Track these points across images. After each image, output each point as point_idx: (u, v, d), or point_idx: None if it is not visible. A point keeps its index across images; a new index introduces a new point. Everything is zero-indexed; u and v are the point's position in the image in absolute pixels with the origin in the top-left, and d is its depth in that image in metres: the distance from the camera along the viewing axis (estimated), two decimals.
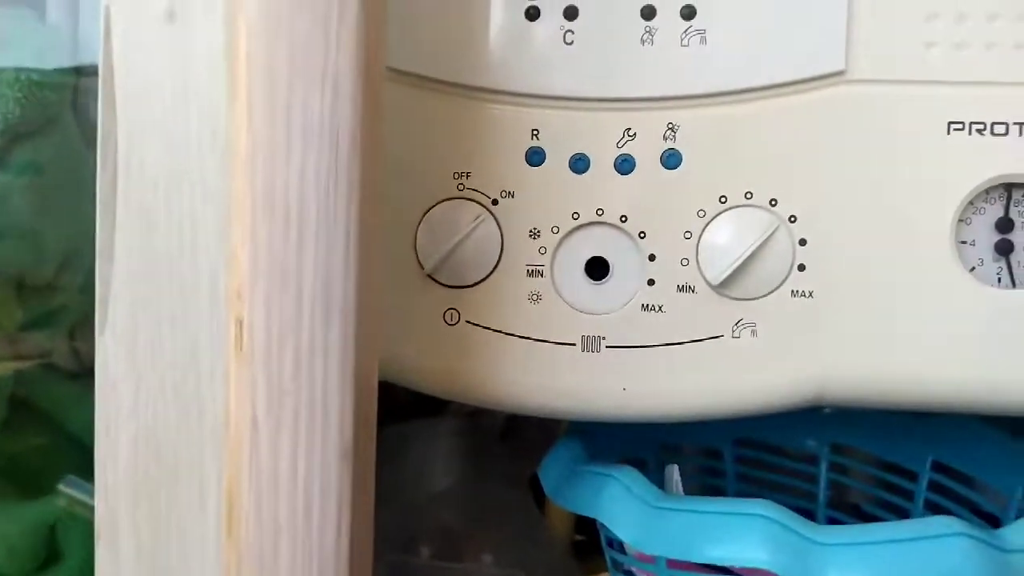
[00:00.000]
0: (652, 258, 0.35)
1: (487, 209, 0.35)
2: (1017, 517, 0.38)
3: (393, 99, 0.34)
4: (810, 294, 0.34)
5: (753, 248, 0.33)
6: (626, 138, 0.35)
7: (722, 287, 0.34)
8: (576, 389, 0.35)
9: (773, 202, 0.34)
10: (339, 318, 0.24)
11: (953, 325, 0.34)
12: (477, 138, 0.34)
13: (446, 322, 0.36)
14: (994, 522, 0.40)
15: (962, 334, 0.34)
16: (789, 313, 0.34)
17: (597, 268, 0.35)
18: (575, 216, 0.35)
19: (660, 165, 0.35)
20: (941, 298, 0.34)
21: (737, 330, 0.35)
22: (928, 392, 0.34)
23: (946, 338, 0.34)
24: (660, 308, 0.35)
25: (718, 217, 0.34)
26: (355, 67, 0.24)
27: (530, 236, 0.35)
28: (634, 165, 0.35)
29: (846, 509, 0.45)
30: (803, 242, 0.34)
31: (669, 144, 0.34)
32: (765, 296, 0.34)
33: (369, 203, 0.25)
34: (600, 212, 0.35)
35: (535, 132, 0.35)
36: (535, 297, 0.35)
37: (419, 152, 0.35)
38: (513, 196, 0.35)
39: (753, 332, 0.35)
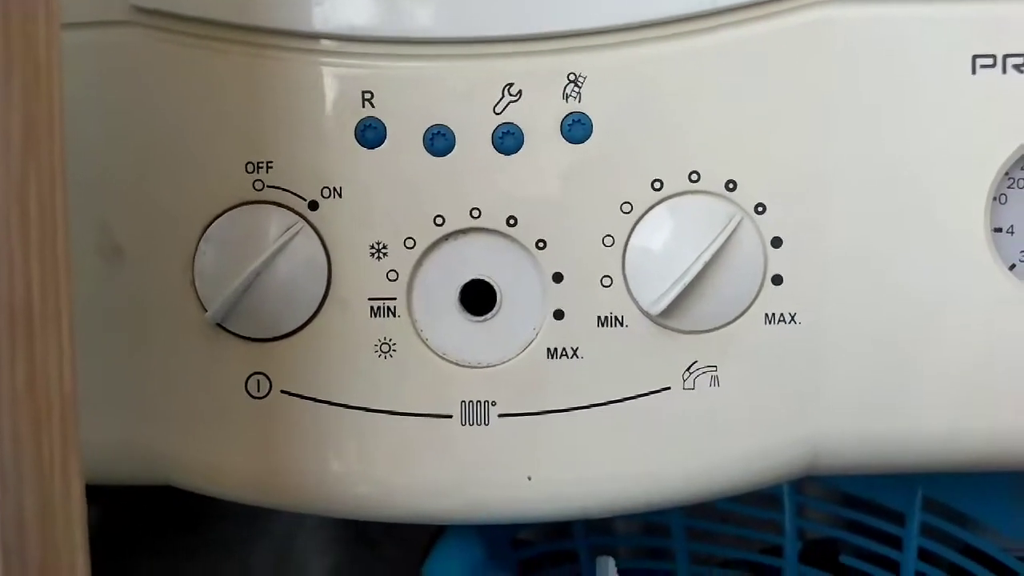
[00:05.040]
0: (558, 278, 0.26)
1: (302, 216, 0.26)
2: None
3: (139, 57, 0.26)
4: (793, 318, 0.26)
5: (707, 256, 0.25)
6: (507, 99, 0.26)
7: (665, 316, 0.26)
8: (456, 483, 0.27)
9: (731, 185, 0.26)
10: None
11: (993, 348, 0.27)
12: (280, 109, 0.26)
13: (250, 394, 0.27)
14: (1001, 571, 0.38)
15: (1007, 361, 0.27)
16: (764, 348, 0.26)
17: (478, 298, 0.27)
18: (439, 221, 0.26)
19: (561, 138, 0.26)
20: (974, 311, 0.27)
21: (690, 378, 0.26)
22: (969, 447, 0.27)
23: (986, 368, 0.27)
24: (575, 353, 0.26)
25: (652, 212, 0.26)
26: None
27: (372, 254, 0.26)
28: (521, 140, 0.26)
29: (823, 563, 0.41)
30: (777, 242, 0.26)
31: (572, 106, 0.26)
32: (728, 325, 0.26)
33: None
34: (476, 213, 0.26)
35: (367, 96, 0.26)
36: (386, 347, 0.27)
37: (191, 135, 0.26)
38: (341, 195, 0.26)
39: (714, 380, 0.27)
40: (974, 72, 0.26)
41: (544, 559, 0.43)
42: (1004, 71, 0.26)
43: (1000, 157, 0.26)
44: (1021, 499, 0.38)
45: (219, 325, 0.26)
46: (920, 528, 0.39)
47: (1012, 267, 0.27)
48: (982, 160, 0.26)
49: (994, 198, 0.26)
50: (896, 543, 0.39)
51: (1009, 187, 0.27)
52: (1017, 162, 0.26)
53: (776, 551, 0.41)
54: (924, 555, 0.39)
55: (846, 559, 0.41)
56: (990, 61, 0.26)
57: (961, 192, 0.26)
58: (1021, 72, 0.26)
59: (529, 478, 0.26)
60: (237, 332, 0.26)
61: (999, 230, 0.27)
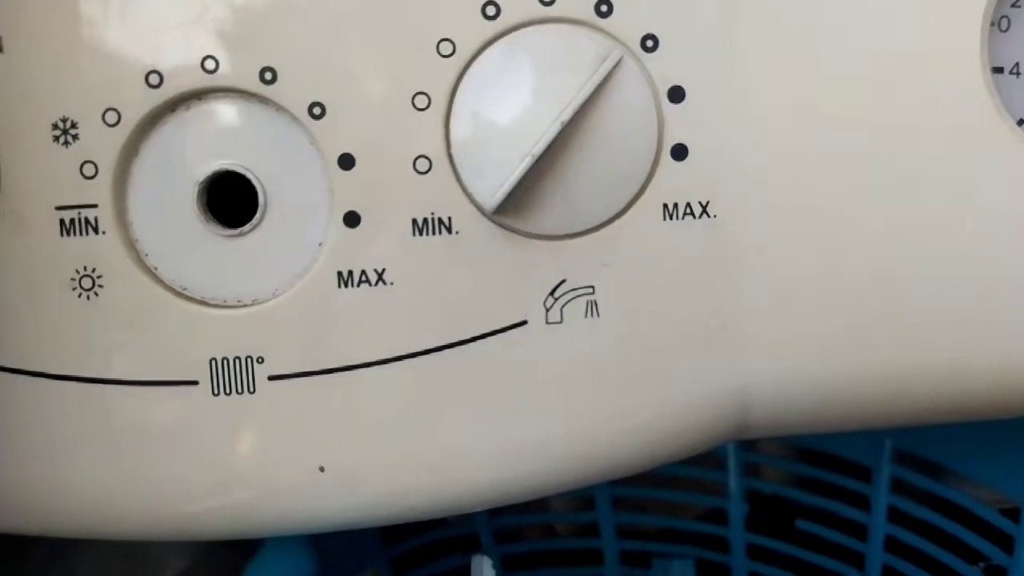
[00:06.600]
0: (347, 163, 0.18)
1: None
2: None
3: None
4: (704, 209, 0.18)
5: (567, 114, 0.17)
6: None
7: (510, 214, 0.18)
8: (213, 482, 0.19)
9: (604, 7, 0.18)
10: None
11: (1002, 246, 0.19)
12: None
13: None
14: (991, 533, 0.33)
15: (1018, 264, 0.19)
16: (663, 256, 0.19)
17: (231, 200, 0.19)
18: (153, 80, 0.18)
19: None
20: (971, 192, 0.19)
21: (556, 306, 0.18)
22: (968, 389, 0.20)
23: (994, 280, 0.19)
24: (380, 277, 0.18)
25: (484, 54, 0.18)
26: None
27: (56, 138, 0.18)
28: None
29: (775, 529, 0.37)
30: (678, 94, 0.18)
31: None
32: (608, 224, 0.19)
33: None
34: (211, 65, 0.18)
35: None
36: (88, 281, 0.18)
37: None
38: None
39: (591, 307, 0.18)
40: None
41: (437, 547, 0.37)
42: None
43: None
44: (1003, 441, 0.33)
45: None
46: (890, 484, 0.34)
47: (1022, 122, 0.19)
48: None
49: (992, 23, 0.18)
50: (862, 502, 0.35)
51: (1014, 4, 0.19)
52: None
53: (719, 516, 0.37)
54: (893, 515, 0.35)
55: (802, 523, 0.36)
56: None
57: (944, 14, 0.18)
58: None
59: (322, 469, 0.18)
60: None
61: (999, 70, 0.19)
